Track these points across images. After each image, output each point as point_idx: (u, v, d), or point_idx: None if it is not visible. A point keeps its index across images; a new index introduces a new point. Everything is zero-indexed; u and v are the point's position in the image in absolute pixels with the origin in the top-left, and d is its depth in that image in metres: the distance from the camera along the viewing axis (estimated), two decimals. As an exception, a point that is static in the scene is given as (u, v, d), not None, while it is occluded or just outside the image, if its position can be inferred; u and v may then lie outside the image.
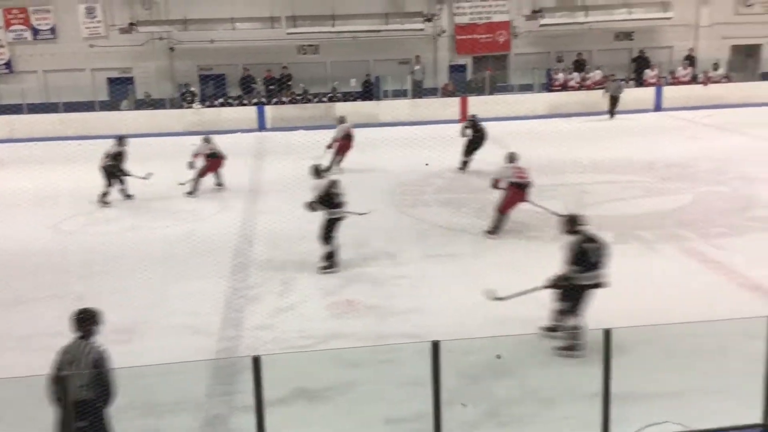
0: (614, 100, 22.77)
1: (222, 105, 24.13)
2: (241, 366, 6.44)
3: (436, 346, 4.85)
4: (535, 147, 16.43)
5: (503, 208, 11.34)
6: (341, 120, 16.87)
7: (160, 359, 6.17)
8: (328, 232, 9.90)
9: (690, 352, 6.69)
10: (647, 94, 24.41)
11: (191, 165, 14.55)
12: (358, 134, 16.95)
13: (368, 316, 8.50)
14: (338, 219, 9.92)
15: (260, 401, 4.87)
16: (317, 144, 16.39)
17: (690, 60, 25.55)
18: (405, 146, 17.71)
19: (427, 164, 16.44)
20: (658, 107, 24.20)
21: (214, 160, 14.84)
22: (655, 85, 24.74)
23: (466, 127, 16.29)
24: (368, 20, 24.63)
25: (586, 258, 6.91)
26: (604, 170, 15.66)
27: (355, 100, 24.33)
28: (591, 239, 7.06)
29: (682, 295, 8.61)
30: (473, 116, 16.80)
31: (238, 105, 24.23)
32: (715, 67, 25.27)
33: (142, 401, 6.14)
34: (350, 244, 10.57)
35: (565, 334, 7.01)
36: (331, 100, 24.30)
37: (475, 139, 16.03)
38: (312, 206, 9.90)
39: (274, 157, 18.09)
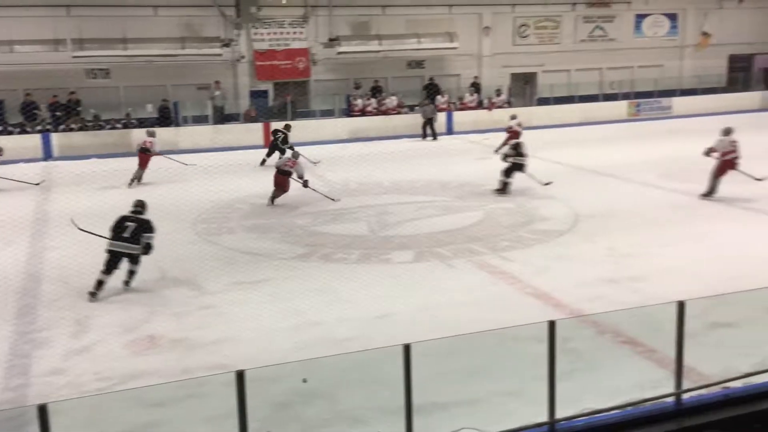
0: (429, 122, 24.25)
1: (0, 133, 22.11)
2: (30, 417, 5.88)
3: (240, 376, 4.76)
4: (337, 171, 16.80)
5: (717, 174, 14.41)
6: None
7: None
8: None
9: (485, 358, 7.12)
10: (439, 118, 25.93)
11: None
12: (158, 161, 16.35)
13: (173, 350, 8.15)
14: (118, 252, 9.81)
15: (51, 453, 4.48)
16: (113, 172, 15.54)
17: (475, 87, 27.53)
18: (207, 173, 17.33)
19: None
20: (450, 131, 25.75)
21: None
22: (446, 110, 26.34)
23: None
24: (163, 44, 23.88)
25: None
26: (405, 191, 16.35)
27: (152, 125, 23.43)
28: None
29: (476, 305, 9.17)
30: None
31: (19, 133, 22.33)
32: (498, 93, 27.43)
33: None
34: (152, 275, 10.10)
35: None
36: (125, 126, 23.18)
37: None
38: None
39: (64, 188, 16.89)
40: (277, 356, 7.37)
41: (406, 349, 4.97)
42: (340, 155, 20.50)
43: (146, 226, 9.91)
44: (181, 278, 10.52)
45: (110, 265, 9.72)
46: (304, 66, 26.26)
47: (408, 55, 27.04)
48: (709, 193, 14.61)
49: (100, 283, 9.67)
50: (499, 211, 14.40)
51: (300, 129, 21.80)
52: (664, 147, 20.67)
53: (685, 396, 5.73)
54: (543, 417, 5.54)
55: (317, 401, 6.73)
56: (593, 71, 29.41)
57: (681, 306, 5.62)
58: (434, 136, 24.36)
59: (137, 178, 17.12)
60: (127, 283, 9.97)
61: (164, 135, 22.33)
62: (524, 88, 29.16)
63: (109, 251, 9.73)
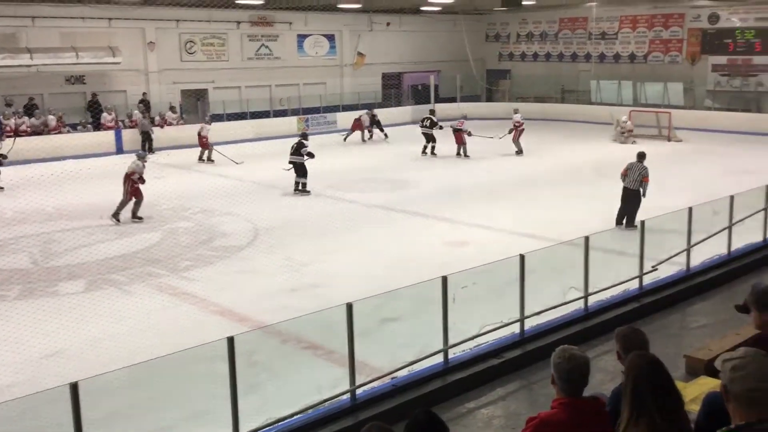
0: (146, 136, 23.67)
1: None
2: None
3: None
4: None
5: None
6: None
7: None
8: None
9: (169, 384, 6.89)
10: (107, 137, 24.49)
11: None
12: None
13: None
14: None
15: None
16: None
17: (145, 104, 26.53)
18: None
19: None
20: (119, 150, 24.43)
21: None
22: (114, 128, 24.96)
23: None
24: None
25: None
26: (72, 216, 15.11)
27: None
28: None
29: (157, 330, 8.84)
30: None
31: None
32: (172, 109, 26.76)
33: None
34: None
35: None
36: None
37: None
38: None
39: None
40: None
41: (74, 388, 4.58)
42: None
43: None
44: None
45: None
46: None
47: (66, 70, 25.02)
48: None
49: None
50: (179, 231, 14.07)
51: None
52: (331, 160, 22.03)
53: (359, 391, 6.15)
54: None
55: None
56: (263, 88, 30.21)
57: (349, 307, 6.02)
58: (150, 150, 23.63)
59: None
60: None
61: None
62: (196, 104, 28.88)
63: None
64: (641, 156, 13.30)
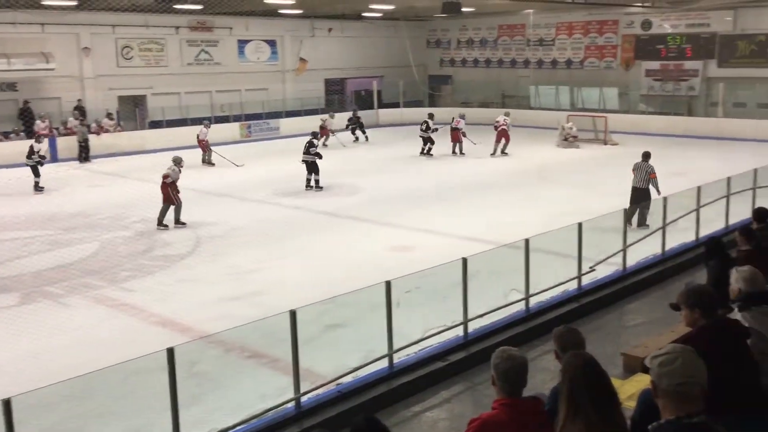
0: (84, 144, 23.50)
1: None
2: None
3: None
4: None
5: None
6: None
7: None
8: None
9: (109, 398, 6.73)
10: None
11: None
12: None
13: None
14: None
15: None
16: None
17: (80, 110, 25.86)
18: None
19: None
20: (54, 158, 23.75)
21: None
22: (48, 136, 24.23)
23: None
24: None
25: None
26: (3, 228, 14.62)
27: None
28: None
29: (96, 343, 8.62)
30: None
31: None
32: (109, 116, 26.15)
33: None
34: None
35: None
36: None
37: None
38: None
39: None
40: None
41: (6, 405, 4.43)
42: None
43: None
44: None
45: None
46: None
47: (-3, 76, 24.26)
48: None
49: None
50: (117, 241, 13.75)
51: None
52: (275, 166, 21.89)
53: (304, 398, 6.12)
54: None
55: None
56: (203, 94, 29.79)
57: (293, 314, 5.99)
58: (86, 158, 23.78)
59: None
60: None
61: None
62: (134, 111, 28.28)
63: None
64: (647, 155, 13.66)
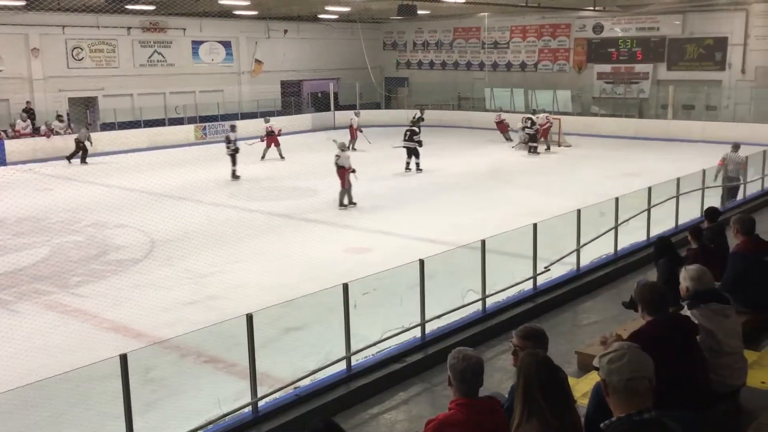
0: (79, 145, 23.12)
1: None
2: None
3: None
4: None
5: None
6: None
7: None
8: None
9: (60, 406, 6.58)
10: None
11: None
12: None
13: None
14: None
15: None
16: None
17: (29, 113, 25.24)
18: None
19: None
20: (2, 162, 23.16)
21: None
22: (-5, 138, 23.65)
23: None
24: None
25: None
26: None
27: None
28: None
29: (46, 350, 8.42)
30: None
31: None
32: (59, 118, 25.52)
33: None
34: None
35: None
36: None
37: None
38: None
39: None
40: None
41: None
42: None
43: None
44: None
45: None
46: None
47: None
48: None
49: None
50: (68, 245, 13.46)
51: None
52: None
53: (261, 403, 6.06)
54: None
55: None
56: (157, 95, 29.36)
57: (250, 318, 5.94)
58: (77, 160, 23.38)
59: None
60: None
61: None
62: (85, 113, 27.72)
63: None
64: (737, 146, 14.76)
